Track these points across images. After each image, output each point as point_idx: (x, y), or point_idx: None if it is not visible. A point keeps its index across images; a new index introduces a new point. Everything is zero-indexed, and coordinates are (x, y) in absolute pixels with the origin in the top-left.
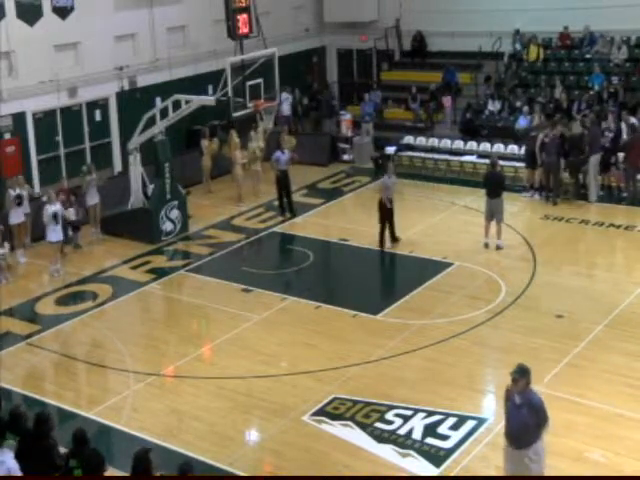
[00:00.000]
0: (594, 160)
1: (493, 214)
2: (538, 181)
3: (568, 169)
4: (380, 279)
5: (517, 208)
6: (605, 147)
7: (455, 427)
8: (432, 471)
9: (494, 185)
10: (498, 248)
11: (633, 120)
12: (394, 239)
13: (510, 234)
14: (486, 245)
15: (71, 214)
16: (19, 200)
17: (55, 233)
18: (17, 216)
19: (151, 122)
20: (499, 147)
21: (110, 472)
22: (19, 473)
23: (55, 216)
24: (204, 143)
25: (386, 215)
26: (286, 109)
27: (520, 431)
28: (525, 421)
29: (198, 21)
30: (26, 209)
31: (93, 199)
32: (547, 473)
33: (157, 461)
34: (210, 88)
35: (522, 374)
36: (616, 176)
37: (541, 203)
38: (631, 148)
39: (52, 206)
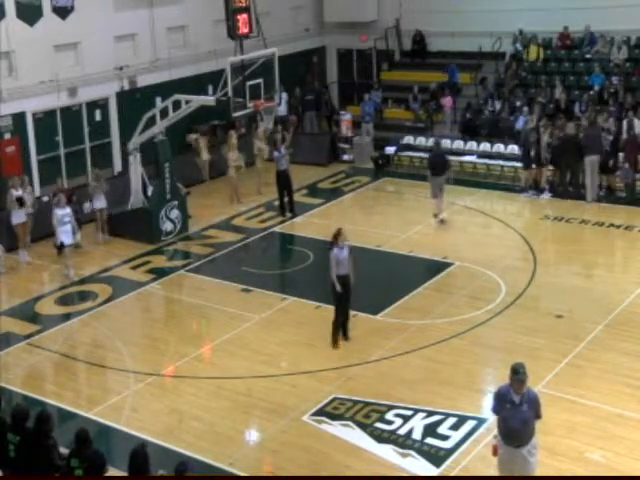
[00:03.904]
0: (590, 160)
1: (439, 191)
2: (542, 181)
3: (560, 169)
4: (380, 279)
5: (517, 208)
6: (604, 149)
7: (455, 427)
8: (432, 471)
9: (439, 164)
10: (442, 221)
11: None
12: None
13: (510, 234)
14: (442, 221)
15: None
16: (21, 201)
17: (66, 236)
18: (19, 217)
19: (151, 122)
20: (499, 147)
21: (110, 472)
22: None
23: (65, 219)
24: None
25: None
26: (282, 109)
27: (523, 429)
28: (526, 418)
29: (198, 21)
30: (28, 210)
31: (101, 203)
32: (547, 473)
33: (153, 457)
34: (210, 88)
35: (526, 373)
36: (620, 177)
37: (541, 203)
38: (627, 148)
39: (62, 210)
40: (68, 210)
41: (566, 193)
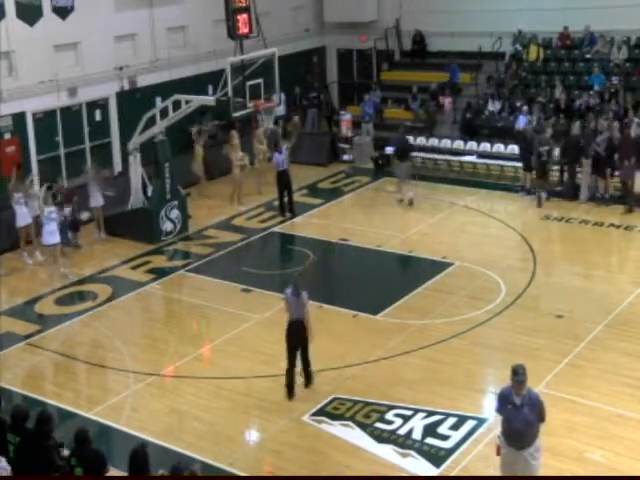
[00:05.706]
0: (588, 161)
1: (406, 175)
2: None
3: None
4: (380, 279)
5: (517, 208)
6: (599, 152)
7: (455, 427)
8: (432, 471)
9: (405, 150)
10: (410, 202)
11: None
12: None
13: (510, 234)
14: (401, 201)
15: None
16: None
17: (51, 235)
18: (23, 219)
19: (151, 122)
20: (499, 147)
21: (110, 472)
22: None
23: (51, 215)
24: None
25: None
26: (281, 109)
27: (526, 430)
28: (528, 419)
29: (198, 21)
30: (35, 211)
31: (97, 201)
32: (548, 473)
33: (153, 457)
34: (210, 88)
35: (526, 374)
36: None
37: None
38: (620, 148)
39: (48, 207)
40: (53, 208)
41: (565, 193)
